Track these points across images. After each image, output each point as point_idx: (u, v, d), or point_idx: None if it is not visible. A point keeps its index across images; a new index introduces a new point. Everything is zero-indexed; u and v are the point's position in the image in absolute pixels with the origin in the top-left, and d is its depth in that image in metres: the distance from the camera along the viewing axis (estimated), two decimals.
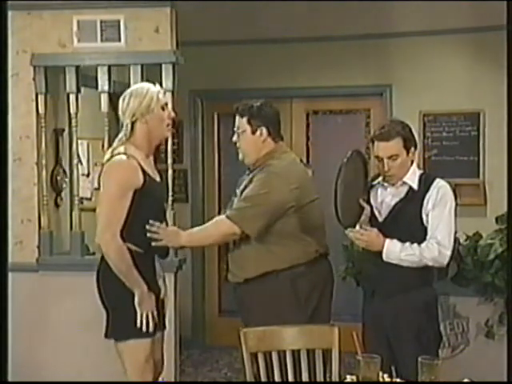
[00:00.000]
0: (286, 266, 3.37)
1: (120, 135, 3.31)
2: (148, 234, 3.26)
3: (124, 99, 3.32)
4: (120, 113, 3.33)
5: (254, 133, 3.46)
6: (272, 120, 3.49)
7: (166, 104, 3.35)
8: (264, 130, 3.46)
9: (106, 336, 3.29)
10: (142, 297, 3.20)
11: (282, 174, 3.38)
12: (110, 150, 3.33)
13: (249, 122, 3.46)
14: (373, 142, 3.40)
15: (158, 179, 3.41)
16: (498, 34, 4.02)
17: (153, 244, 3.28)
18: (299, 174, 3.48)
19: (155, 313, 3.24)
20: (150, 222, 3.28)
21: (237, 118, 3.51)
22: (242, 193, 3.42)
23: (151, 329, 3.21)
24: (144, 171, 3.24)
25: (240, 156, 3.53)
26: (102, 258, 3.30)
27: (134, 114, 3.26)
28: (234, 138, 3.52)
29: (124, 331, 3.24)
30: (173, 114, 3.37)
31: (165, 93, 3.43)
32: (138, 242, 3.24)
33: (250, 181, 3.42)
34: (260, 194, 3.33)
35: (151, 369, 3.29)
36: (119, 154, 3.24)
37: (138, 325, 3.19)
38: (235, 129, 3.52)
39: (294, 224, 3.39)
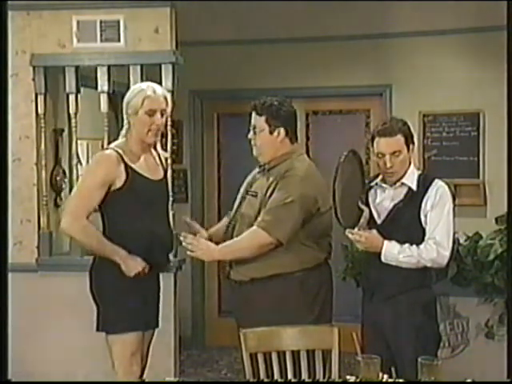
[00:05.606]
0: (295, 270, 3.35)
1: (123, 129, 3.41)
2: (183, 244, 3.34)
3: (124, 94, 3.39)
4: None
5: (271, 133, 3.40)
6: (290, 120, 3.45)
7: (154, 111, 3.28)
8: (282, 131, 3.40)
9: (98, 329, 3.36)
10: (125, 262, 3.26)
11: (306, 178, 3.35)
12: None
13: (267, 122, 3.40)
14: (373, 140, 3.39)
15: (153, 177, 3.39)
16: (498, 34, 4.01)
17: (188, 253, 3.36)
18: (320, 179, 3.44)
19: (146, 269, 3.29)
20: (183, 233, 3.36)
21: (253, 115, 3.44)
22: (264, 194, 3.34)
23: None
24: (128, 167, 3.27)
25: (254, 153, 3.47)
26: (95, 255, 3.40)
27: (126, 112, 3.34)
28: (250, 135, 3.47)
29: (115, 324, 3.31)
30: (159, 123, 3.30)
31: (166, 99, 3.33)
32: (128, 240, 3.28)
33: (271, 184, 3.35)
34: (292, 202, 3.27)
35: (138, 362, 3.35)
36: (107, 148, 3.38)
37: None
38: (251, 127, 3.45)
39: (310, 230, 3.36)
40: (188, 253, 3.37)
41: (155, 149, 3.48)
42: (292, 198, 3.28)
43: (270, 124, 3.40)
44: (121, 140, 3.39)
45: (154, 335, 3.49)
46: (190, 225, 3.58)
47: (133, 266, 3.27)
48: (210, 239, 3.47)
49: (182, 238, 3.35)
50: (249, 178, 3.58)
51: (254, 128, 3.44)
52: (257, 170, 3.55)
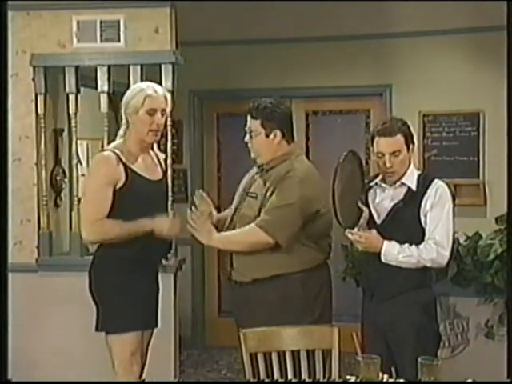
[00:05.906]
0: (296, 270, 3.35)
1: (120, 129, 3.40)
2: (188, 218, 3.34)
3: (124, 94, 3.39)
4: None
5: (268, 135, 3.39)
6: (285, 122, 3.43)
7: (155, 110, 3.29)
8: (278, 133, 3.39)
9: (97, 329, 3.36)
10: (155, 226, 3.27)
11: (305, 179, 3.34)
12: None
13: (262, 125, 3.38)
14: (373, 139, 3.39)
15: (151, 178, 3.40)
16: (498, 34, 4.01)
17: (188, 228, 3.35)
18: (320, 180, 3.44)
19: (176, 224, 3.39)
20: (193, 209, 3.39)
21: (248, 118, 3.43)
22: (264, 195, 3.33)
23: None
24: (127, 168, 3.27)
25: (252, 155, 3.47)
26: (94, 255, 3.42)
27: (125, 111, 3.34)
28: (246, 139, 3.46)
29: (115, 324, 3.32)
30: (159, 122, 3.31)
31: (166, 99, 3.35)
32: (127, 240, 3.26)
33: (271, 185, 3.34)
34: (292, 204, 3.26)
35: (138, 362, 3.36)
36: (105, 150, 3.40)
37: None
38: (247, 130, 3.44)
39: (312, 231, 3.36)
40: (188, 227, 3.36)
41: (152, 149, 3.48)
42: (292, 200, 3.28)
43: (265, 127, 3.38)
44: (118, 141, 3.38)
45: (153, 335, 3.50)
46: (204, 199, 3.57)
47: (163, 223, 3.30)
48: (216, 225, 3.48)
49: (188, 213, 3.36)
50: (246, 178, 3.57)
51: (250, 131, 3.43)
52: (254, 170, 3.54)
